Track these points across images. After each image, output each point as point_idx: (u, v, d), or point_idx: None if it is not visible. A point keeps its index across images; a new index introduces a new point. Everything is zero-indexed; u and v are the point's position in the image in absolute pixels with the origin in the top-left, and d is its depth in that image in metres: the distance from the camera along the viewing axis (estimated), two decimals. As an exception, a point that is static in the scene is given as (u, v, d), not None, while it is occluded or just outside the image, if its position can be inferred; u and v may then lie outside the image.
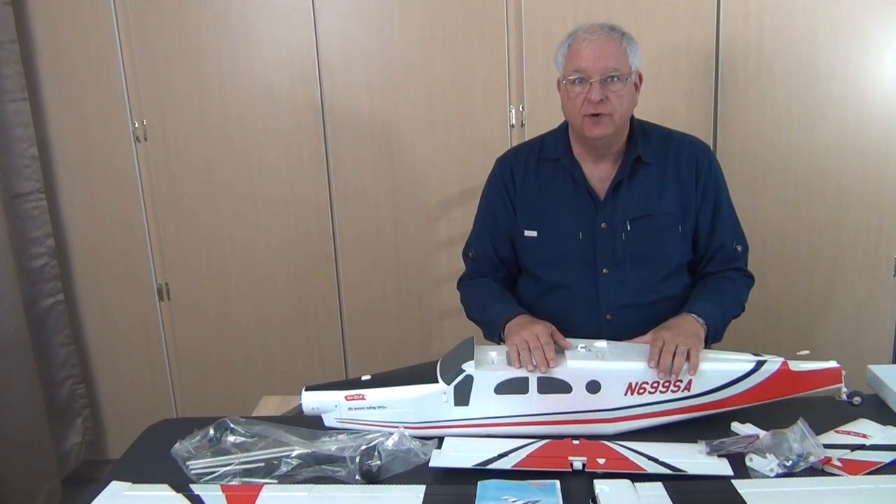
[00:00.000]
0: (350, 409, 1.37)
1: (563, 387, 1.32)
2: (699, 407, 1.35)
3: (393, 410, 1.36)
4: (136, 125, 2.44)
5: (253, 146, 2.44)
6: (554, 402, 1.33)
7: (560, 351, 1.39)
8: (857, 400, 1.36)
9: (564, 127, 1.69)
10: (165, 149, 2.46)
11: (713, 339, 1.56)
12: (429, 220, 2.46)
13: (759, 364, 1.35)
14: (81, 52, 2.39)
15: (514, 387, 1.33)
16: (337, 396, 1.38)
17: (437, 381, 1.35)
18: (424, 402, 1.35)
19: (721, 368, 1.35)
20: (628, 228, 1.61)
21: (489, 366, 1.37)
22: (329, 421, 1.39)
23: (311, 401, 1.39)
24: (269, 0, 2.33)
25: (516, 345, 1.38)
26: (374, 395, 1.36)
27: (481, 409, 1.34)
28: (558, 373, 1.32)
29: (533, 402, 1.33)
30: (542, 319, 1.51)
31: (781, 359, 1.37)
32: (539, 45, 2.29)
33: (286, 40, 2.36)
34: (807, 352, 1.41)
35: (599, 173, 1.65)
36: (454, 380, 1.34)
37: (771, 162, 2.34)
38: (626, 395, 1.33)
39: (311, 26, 2.33)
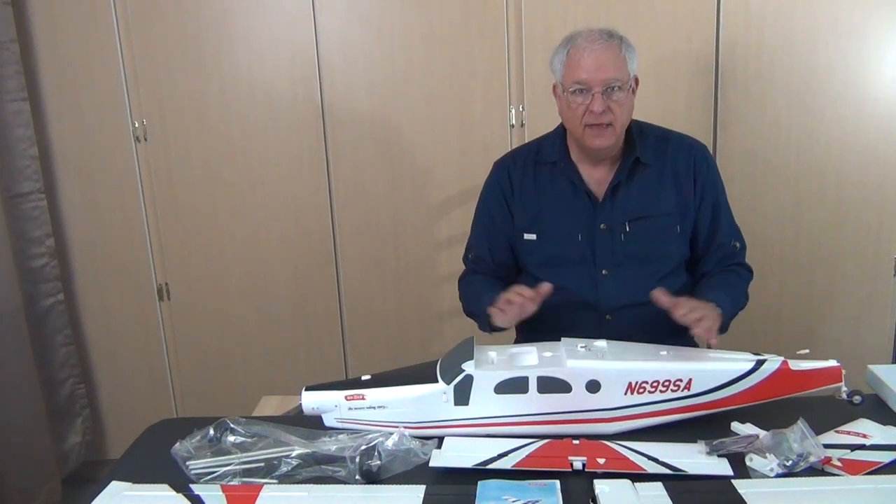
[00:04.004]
0: (350, 409, 1.37)
1: (562, 386, 1.32)
2: (699, 406, 1.34)
3: (393, 410, 1.36)
4: (136, 125, 2.44)
5: (253, 146, 2.44)
6: (554, 401, 1.33)
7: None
8: (857, 399, 1.36)
9: (561, 130, 1.70)
10: (165, 149, 2.46)
11: (723, 329, 1.56)
12: (429, 220, 2.46)
13: (759, 363, 1.35)
14: (81, 52, 2.39)
15: (513, 386, 1.33)
16: (337, 396, 1.38)
17: (436, 381, 1.35)
18: (424, 401, 1.35)
19: (721, 368, 1.35)
20: (627, 229, 1.62)
21: (489, 366, 1.37)
22: (329, 421, 1.39)
23: (311, 401, 1.39)
24: (269, 0, 2.33)
25: (496, 307, 1.47)
26: (374, 395, 1.36)
27: (481, 409, 1.34)
28: (558, 373, 1.32)
29: (533, 402, 1.33)
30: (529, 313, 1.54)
31: (781, 358, 1.37)
32: (539, 45, 2.28)
33: (286, 40, 2.36)
34: (807, 351, 1.41)
35: (597, 176, 1.65)
36: (454, 379, 1.34)
37: (771, 162, 2.34)
38: (625, 394, 1.33)
39: (311, 26, 2.33)
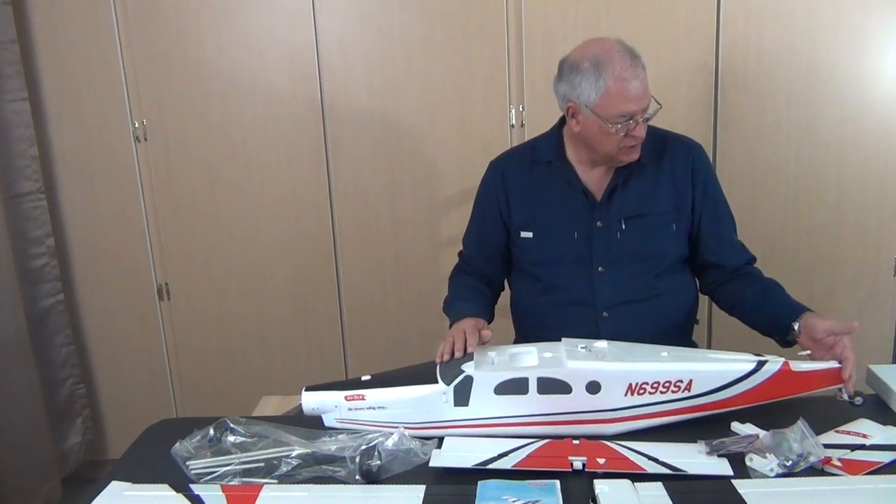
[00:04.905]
0: (350, 409, 1.37)
1: (563, 387, 1.32)
2: (700, 407, 1.34)
3: (393, 411, 1.36)
4: (136, 125, 2.44)
5: (253, 146, 2.44)
6: (554, 402, 1.32)
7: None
8: (858, 400, 1.36)
9: (556, 130, 1.70)
10: (165, 149, 2.46)
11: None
12: (429, 220, 2.46)
13: (760, 364, 1.35)
14: (81, 52, 2.39)
15: (513, 387, 1.33)
16: (337, 396, 1.38)
17: (436, 382, 1.35)
18: (424, 402, 1.35)
19: (722, 369, 1.35)
20: (623, 227, 1.62)
21: (489, 366, 1.37)
22: (329, 421, 1.39)
23: (311, 401, 1.39)
24: (269, 0, 2.33)
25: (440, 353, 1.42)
26: (374, 395, 1.36)
27: (481, 410, 1.33)
28: (558, 373, 1.32)
29: (533, 403, 1.33)
30: (474, 320, 1.53)
31: (782, 359, 1.37)
32: (539, 45, 2.28)
33: (286, 40, 2.36)
34: (808, 352, 1.41)
35: (595, 176, 1.66)
36: (454, 380, 1.34)
37: (771, 162, 2.34)
38: (626, 395, 1.33)
39: (311, 26, 2.33)
